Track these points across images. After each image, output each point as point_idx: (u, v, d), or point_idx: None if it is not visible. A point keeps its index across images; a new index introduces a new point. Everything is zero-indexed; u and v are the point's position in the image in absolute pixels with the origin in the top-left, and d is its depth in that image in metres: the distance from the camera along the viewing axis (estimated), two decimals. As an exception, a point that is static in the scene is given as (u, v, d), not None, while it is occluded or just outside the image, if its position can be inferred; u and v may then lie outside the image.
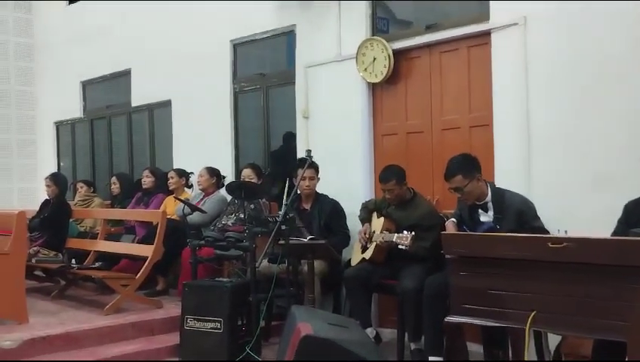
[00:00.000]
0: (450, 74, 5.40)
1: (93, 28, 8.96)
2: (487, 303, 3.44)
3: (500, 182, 4.63)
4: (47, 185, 7.03)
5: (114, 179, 7.75)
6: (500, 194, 4.30)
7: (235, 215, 6.05)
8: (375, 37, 5.74)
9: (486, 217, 4.29)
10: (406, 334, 4.82)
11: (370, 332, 4.79)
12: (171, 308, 5.58)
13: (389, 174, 5.00)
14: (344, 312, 5.28)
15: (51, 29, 9.90)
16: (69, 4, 9.72)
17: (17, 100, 10.07)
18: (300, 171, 5.42)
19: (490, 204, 4.29)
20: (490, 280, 3.42)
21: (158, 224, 5.79)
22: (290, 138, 6.71)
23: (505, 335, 4.07)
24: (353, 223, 5.48)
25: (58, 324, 5.11)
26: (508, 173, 4.82)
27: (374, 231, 5.03)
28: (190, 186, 7.02)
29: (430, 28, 5.48)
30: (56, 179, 7.09)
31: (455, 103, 5.37)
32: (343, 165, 5.93)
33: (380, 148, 5.92)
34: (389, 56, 5.60)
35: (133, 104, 8.55)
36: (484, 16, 5.06)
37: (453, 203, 4.69)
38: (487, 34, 5.05)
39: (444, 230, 4.42)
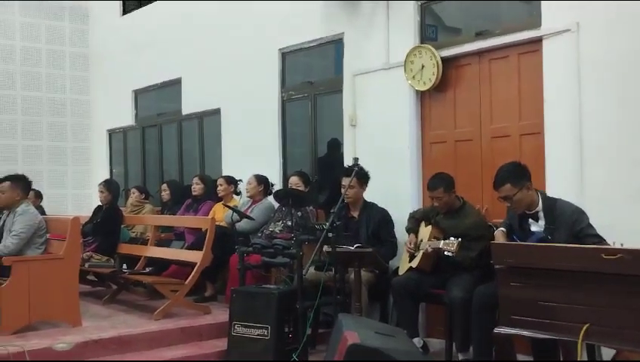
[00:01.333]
0: (500, 81, 5.33)
1: (145, 38, 9.17)
2: (537, 315, 3.38)
3: (552, 191, 4.54)
4: (101, 191, 7.20)
5: (164, 186, 7.89)
6: (551, 204, 4.21)
7: (282, 222, 6.09)
8: (424, 44, 5.71)
9: (537, 227, 4.21)
10: (454, 344, 4.77)
11: (417, 342, 4.76)
12: (219, 314, 5.64)
13: (437, 182, 4.96)
14: (391, 321, 5.26)
15: (105, 39, 10.17)
16: (123, 15, 9.96)
17: (72, 109, 10.36)
18: (344, 179, 5.44)
19: (541, 214, 4.21)
20: (542, 291, 3.36)
21: (207, 230, 5.86)
22: (334, 145, 6.73)
23: (556, 347, 3.98)
24: (401, 231, 5.44)
25: (110, 328, 5.23)
26: (560, 182, 4.72)
27: (422, 240, 5.00)
28: (239, 193, 7.10)
29: (480, 35, 5.42)
30: (109, 185, 7.26)
31: (505, 111, 5.29)
32: (390, 173, 5.90)
33: (428, 156, 5.87)
34: (437, 63, 5.56)
35: (184, 112, 8.70)
36: (536, 23, 4.98)
37: (503, 212, 4.62)
38: (538, 40, 4.97)
39: (493, 240, 4.36)
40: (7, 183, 5.63)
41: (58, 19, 10.21)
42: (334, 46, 6.71)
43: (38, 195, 8.45)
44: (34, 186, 6.35)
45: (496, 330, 3.57)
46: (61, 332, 5.05)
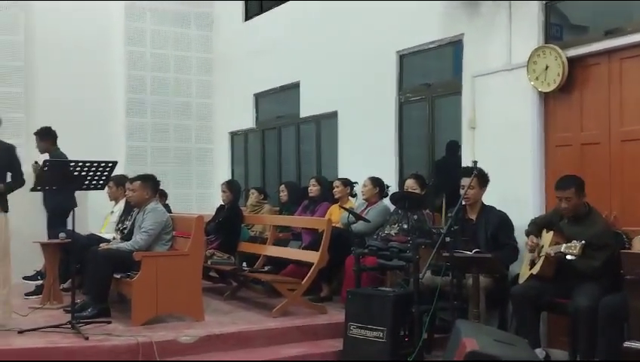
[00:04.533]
0: (631, 81, 5.05)
1: (265, 43, 9.42)
2: (673, 330, 3.17)
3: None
4: (223, 191, 7.47)
5: (282, 187, 8.07)
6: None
7: (397, 225, 6.06)
8: (548, 44, 5.51)
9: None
10: (578, 356, 4.56)
11: (539, 352, 4.60)
12: (335, 314, 5.70)
13: (568, 182, 4.77)
14: (510, 329, 5.10)
15: (228, 45, 10.55)
16: (245, 20, 10.29)
17: (197, 112, 10.82)
18: (463, 180, 5.35)
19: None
20: (678, 305, 3.15)
21: (323, 231, 5.95)
22: (453, 148, 6.62)
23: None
24: (522, 237, 5.27)
25: (231, 323, 5.42)
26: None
27: (543, 246, 4.83)
28: (354, 195, 7.14)
29: (610, 33, 5.16)
30: (231, 185, 7.53)
31: (637, 113, 5.01)
32: (511, 177, 5.73)
33: (552, 160, 5.65)
34: (562, 63, 5.35)
35: (302, 115, 8.87)
36: (673, 19, 4.69)
37: (634, 220, 4.37)
38: (676, 37, 4.67)
39: (622, 249, 4.13)
40: (137, 182, 5.98)
41: (185, 26, 10.70)
42: (453, 47, 6.60)
43: (163, 194, 8.85)
44: (161, 186, 6.70)
45: (627, 344, 3.38)
46: (185, 326, 5.29)
